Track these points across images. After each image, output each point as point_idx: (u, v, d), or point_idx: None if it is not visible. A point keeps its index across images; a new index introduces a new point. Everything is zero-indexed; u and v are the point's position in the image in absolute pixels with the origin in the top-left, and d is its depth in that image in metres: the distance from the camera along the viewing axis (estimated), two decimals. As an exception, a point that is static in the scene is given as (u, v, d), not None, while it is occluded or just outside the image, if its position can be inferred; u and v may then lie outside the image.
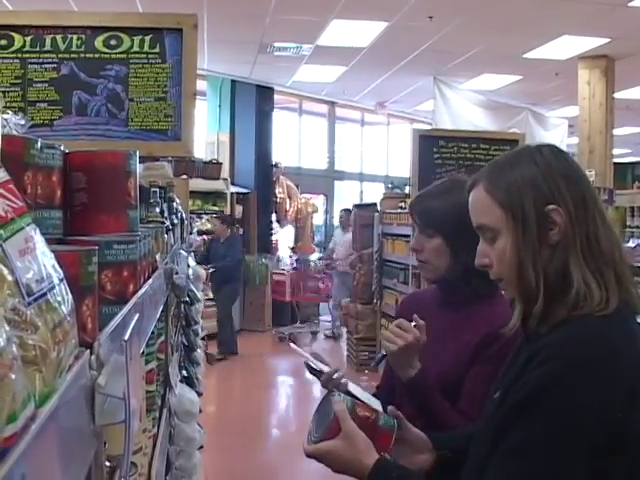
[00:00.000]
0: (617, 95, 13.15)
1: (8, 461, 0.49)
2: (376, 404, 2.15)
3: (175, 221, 3.32)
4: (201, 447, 4.10)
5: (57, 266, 0.76)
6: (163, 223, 2.61)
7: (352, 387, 2.31)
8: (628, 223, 5.44)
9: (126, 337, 0.82)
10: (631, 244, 4.76)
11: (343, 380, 2.37)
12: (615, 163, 13.72)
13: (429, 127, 14.55)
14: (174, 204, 3.44)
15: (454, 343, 2.42)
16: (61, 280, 0.75)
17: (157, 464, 1.71)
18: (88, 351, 0.80)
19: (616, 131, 13.75)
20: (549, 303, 1.62)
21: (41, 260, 0.71)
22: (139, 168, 4.15)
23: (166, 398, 2.20)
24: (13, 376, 0.53)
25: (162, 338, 2.18)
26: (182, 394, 2.45)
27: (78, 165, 1.47)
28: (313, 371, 2.50)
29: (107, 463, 1.08)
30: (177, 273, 2.43)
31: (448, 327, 2.46)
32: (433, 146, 8.96)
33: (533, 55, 12.56)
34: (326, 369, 2.43)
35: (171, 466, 2.41)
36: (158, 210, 2.59)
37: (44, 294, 0.69)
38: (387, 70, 14.14)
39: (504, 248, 1.68)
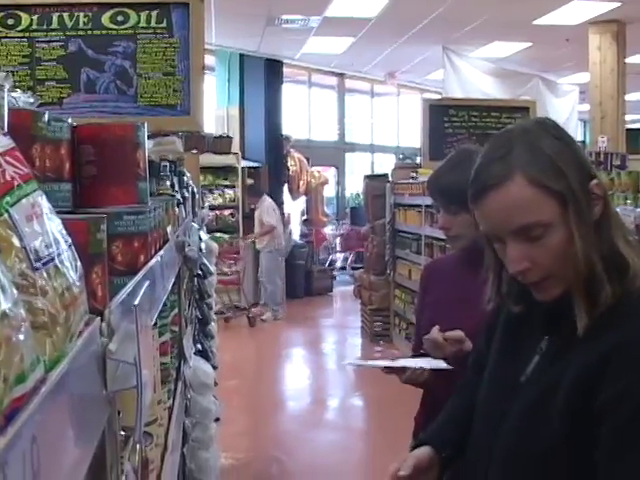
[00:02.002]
0: (629, 60, 13.03)
1: (18, 421, 0.50)
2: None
3: (186, 195, 3.32)
4: (217, 419, 4.13)
5: (65, 232, 0.76)
6: (173, 196, 2.61)
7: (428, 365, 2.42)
8: (641, 188, 5.40)
9: (136, 302, 0.82)
10: (644, 208, 4.73)
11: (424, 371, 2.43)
12: (628, 129, 13.64)
13: (439, 97, 14.46)
14: (184, 178, 3.44)
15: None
16: (69, 246, 0.76)
17: (173, 435, 1.72)
18: (99, 318, 0.80)
19: (629, 97, 13.64)
20: (612, 286, 1.49)
21: (48, 226, 0.71)
22: (149, 143, 4.16)
23: (181, 370, 2.21)
24: (21, 337, 0.53)
25: (175, 311, 2.19)
26: (197, 366, 2.46)
27: (86, 138, 1.47)
28: (396, 372, 2.51)
29: (122, 432, 1.09)
30: (189, 245, 2.43)
31: (476, 288, 2.47)
32: (443, 115, 8.93)
33: (543, 21, 12.45)
34: (409, 366, 2.45)
35: (187, 438, 2.43)
36: (169, 183, 2.59)
37: (52, 259, 0.69)
38: (396, 40, 14.05)
39: (563, 241, 1.50)
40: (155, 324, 1.60)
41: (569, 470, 1.51)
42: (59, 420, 0.61)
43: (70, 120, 1.37)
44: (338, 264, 16.59)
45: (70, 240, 0.76)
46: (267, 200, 12.57)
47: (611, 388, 1.43)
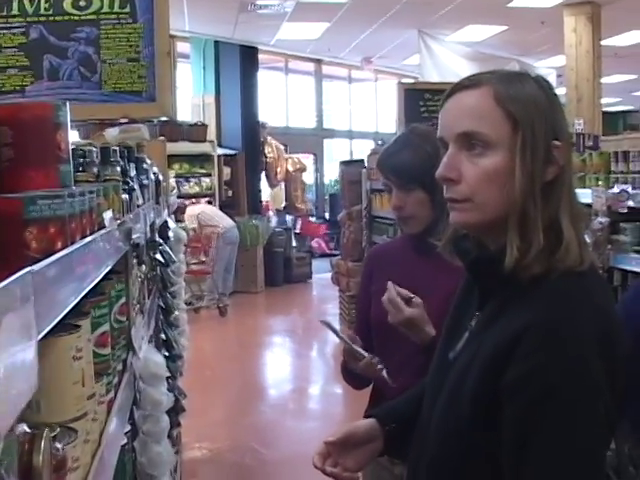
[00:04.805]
0: (604, 42, 13.01)
1: None
2: None
3: (145, 181, 3.24)
4: (183, 410, 4.07)
5: None
6: (126, 183, 2.55)
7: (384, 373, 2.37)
8: (612, 169, 5.34)
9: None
10: (615, 190, 4.68)
11: (379, 366, 2.35)
12: (606, 112, 13.65)
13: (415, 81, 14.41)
14: (144, 165, 3.36)
15: (442, 285, 2.33)
16: None
17: (111, 430, 1.65)
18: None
19: (606, 79, 13.65)
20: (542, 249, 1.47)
21: None
22: (115, 130, 4.04)
23: (128, 362, 2.13)
24: None
25: (122, 300, 2.11)
26: (147, 357, 2.38)
27: (3, 119, 1.40)
28: (351, 353, 2.44)
29: (28, 429, 1.02)
30: (137, 233, 2.35)
31: (430, 272, 2.40)
32: (419, 100, 8.94)
33: (517, 4, 12.43)
34: (366, 354, 2.38)
35: (138, 431, 2.37)
36: (119, 169, 2.52)
37: None
38: (371, 24, 14.00)
39: (498, 168, 1.48)
40: (87, 314, 1.52)
41: (480, 459, 1.51)
42: None
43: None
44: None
45: None
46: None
47: (517, 369, 1.40)
